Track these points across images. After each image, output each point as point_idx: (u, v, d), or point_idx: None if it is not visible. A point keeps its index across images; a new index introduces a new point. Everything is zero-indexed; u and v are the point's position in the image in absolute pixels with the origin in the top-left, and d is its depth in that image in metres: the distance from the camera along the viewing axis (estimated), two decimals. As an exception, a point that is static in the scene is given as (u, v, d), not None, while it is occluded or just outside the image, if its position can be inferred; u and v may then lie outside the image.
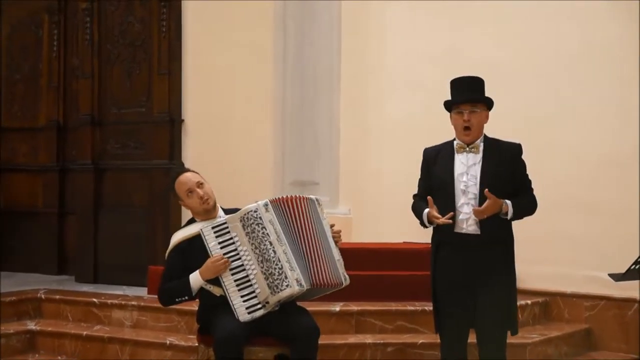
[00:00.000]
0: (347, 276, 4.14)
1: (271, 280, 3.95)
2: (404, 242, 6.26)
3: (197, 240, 4.08)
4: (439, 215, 3.95)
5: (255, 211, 4.00)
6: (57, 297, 6.02)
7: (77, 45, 7.16)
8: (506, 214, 3.94)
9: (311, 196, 4.22)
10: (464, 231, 4.00)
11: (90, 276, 6.87)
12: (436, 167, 4.12)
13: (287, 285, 3.94)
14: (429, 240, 5.99)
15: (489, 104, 4.18)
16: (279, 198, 4.14)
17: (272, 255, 3.96)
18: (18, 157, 7.72)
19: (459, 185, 4.03)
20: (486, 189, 3.86)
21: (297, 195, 4.17)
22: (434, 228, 4.13)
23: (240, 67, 6.72)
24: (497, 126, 5.67)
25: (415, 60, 6.53)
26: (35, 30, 7.62)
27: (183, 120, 6.74)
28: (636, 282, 4.08)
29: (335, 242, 4.18)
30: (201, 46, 6.72)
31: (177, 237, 4.26)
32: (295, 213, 4.10)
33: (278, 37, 6.83)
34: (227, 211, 4.28)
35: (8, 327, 5.61)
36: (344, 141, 6.81)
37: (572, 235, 5.87)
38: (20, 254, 7.56)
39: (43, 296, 6.05)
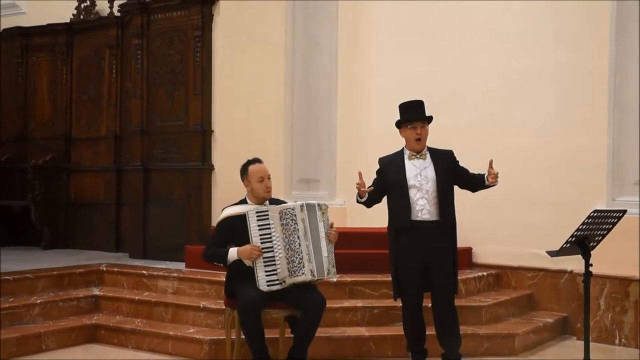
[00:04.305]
0: (331, 270, 4.09)
1: (291, 266, 3.98)
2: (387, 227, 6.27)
3: (242, 218, 4.06)
4: (361, 181, 4.11)
5: (292, 209, 4.02)
6: (115, 269, 6.04)
7: (131, 72, 7.16)
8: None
9: (314, 202, 4.16)
10: (419, 218, 4.11)
11: (140, 253, 6.87)
12: (390, 171, 4.21)
13: (302, 273, 3.98)
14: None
15: (430, 120, 4.28)
16: (309, 202, 4.13)
17: (297, 246, 3.98)
18: (84, 161, 7.73)
19: (414, 184, 4.13)
20: (491, 159, 4.09)
21: (310, 202, 4.16)
22: (392, 218, 4.24)
23: (258, 90, 6.73)
24: (465, 135, 5.72)
25: (397, 82, 6.52)
26: (99, 61, 7.63)
27: (212, 131, 6.72)
28: (567, 257, 4.12)
29: (329, 241, 4.11)
30: (227, 73, 6.73)
31: (227, 212, 4.24)
32: (313, 215, 4.07)
33: (288, 65, 6.84)
34: (271, 200, 4.27)
35: (78, 293, 5.67)
36: (340, 147, 6.81)
37: (518, 221, 5.90)
38: (86, 236, 7.61)
39: (104, 269, 6.07)
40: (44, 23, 7.90)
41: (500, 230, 5.99)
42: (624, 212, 3.99)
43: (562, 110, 5.80)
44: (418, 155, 4.19)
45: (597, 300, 5.38)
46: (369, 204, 4.28)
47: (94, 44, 7.66)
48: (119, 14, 7.35)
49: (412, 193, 4.12)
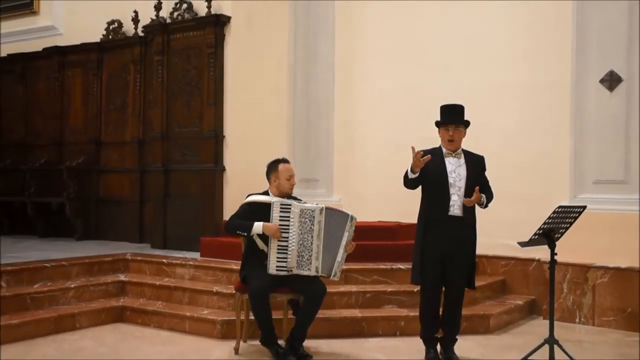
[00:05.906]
0: (337, 274, 4.04)
1: (300, 259, 3.95)
2: (378, 221, 6.28)
3: (262, 206, 4.03)
4: (419, 152, 3.85)
5: (312, 211, 3.96)
6: (139, 258, 6.03)
7: (152, 85, 7.14)
8: (482, 203, 3.99)
9: (348, 213, 4.08)
10: (450, 213, 3.98)
11: (161, 244, 6.86)
12: (430, 164, 3.94)
13: (307, 269, 3.96)
14: (397, 220, 6.01)
15: (466, 124, 4.12)
16: (333, 208, 4.07)
17: (309, 244, 3.94)
18: (112, 162, 7.72)
19: (450, 180, 4.00)
20: (477, 187, 3.91)
21: (342, 211, 4.10)
22: (426, 209, 4.06)
23: (264, 99, 6.73)
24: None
25: (385, 94, 6.54)
26: (125, 75, 7.61)
27: (224, 136, 6.70)
28: (535, 247, 4.11)
29: (346, 250, 4.06)
30: (237, 85, 6.71)
31: (253, 198, 4.19)
32: (336, 221, 4.03)
33: (290, 77, 6.85)
34: (289, 197, 4.21)
35: (107, 278, 5.66)
36: (337, 150, 6.82)
37: (493, 215, 5.76)
38: (113, 228, 7.59)
39: (129, 257, 6.06)
40: (78, 42, 7.92)
41: (477, 224, 5.96)
42: (584, 207, 4.00)
43: (530, 119, 5.81)
44: (454, 154, 4.05)
45: (561, 285, 5.41)
46: (416, 183, 4.00)
47: (120, 60, 7.65)
48: (142, 34, 7.35)
49: (450, 188, 3.98)
